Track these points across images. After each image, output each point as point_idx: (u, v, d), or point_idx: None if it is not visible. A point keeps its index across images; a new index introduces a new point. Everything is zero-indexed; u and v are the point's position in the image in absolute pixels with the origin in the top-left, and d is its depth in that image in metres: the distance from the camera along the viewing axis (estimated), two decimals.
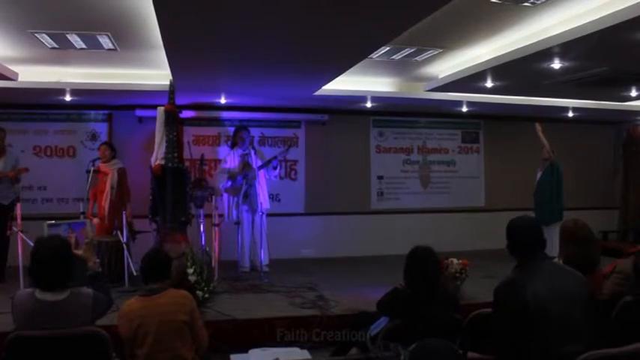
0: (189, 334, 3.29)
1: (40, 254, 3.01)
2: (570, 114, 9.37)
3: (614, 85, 7.09)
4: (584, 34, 4.69)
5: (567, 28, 4.88)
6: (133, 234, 6.82)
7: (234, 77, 6.71)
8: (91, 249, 3.52)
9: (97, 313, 3.15)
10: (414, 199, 9.84)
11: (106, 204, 6.99)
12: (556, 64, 5.83)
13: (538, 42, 5.27)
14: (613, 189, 10.74)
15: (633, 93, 7.77)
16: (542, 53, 5.38)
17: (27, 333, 2.93)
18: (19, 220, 6.09)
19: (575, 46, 5.05)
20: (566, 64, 5.83)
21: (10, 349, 2.90)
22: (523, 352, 2.75)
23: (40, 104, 8.30)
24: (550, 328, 2.71)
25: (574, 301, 2.77)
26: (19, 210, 6.16)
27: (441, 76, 7.25)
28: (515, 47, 5.61)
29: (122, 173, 7.24)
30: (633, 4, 4.21)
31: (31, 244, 3.40)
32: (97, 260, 3.65)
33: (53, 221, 5.85)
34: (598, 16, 4.54)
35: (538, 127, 7.95)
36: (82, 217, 6.60)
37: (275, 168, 7.69)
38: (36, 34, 5.39)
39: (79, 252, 3.42)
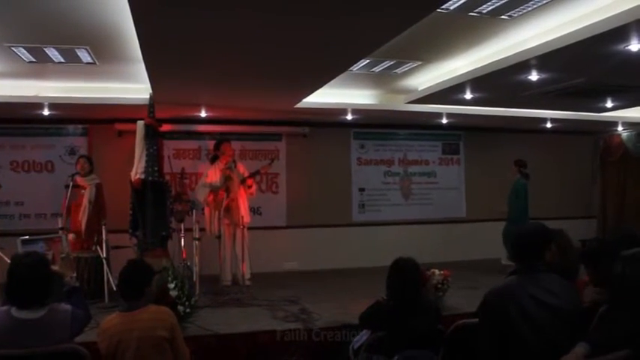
0: (170, 350, 3.24)
1: (18, 272, 2.94)
2: (549, 125, 9.50)
3: (590, 96, 7.21)
4: (561, 46, 4.76)
5: (544, 41, 4.96)
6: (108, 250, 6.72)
7: (215, 91, 6.71)
8: (67, 264, 3.46)
9: (75, 329, 3.08)
10: (396, 211, 9.86)
11: (83, 219, 6.87)
12: (534, 76, 5.93)
13: (515, 54, 5.35)
14: (591, 199, 10.89)
15: (609, 104, 7.90)
16: (519, 65, 5.46)
17: (3, 352, 2.86)
18: None
19: (551, 58, 5.12)
20: (544, 75, 5.93)
21: None
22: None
23: (18, 118, 8.18)
24: (532, 339, 2.71)
25: (561, 315, 2.74)
26: None
27: (420, 89, 7.30)
28: (493, 59, 5.68)
29: (99, 188, 7.14)
30: (607, 17, 4.30)
31: (8, 260, 3.34)
32: (74, 275, 3.59)
33: (27, 237, 5.75)
34: (574, 29, 4.63)
35: None
36: (60, 232, 6.50)
37: (250, 187, 7.66)
38: (13, 48, 5.34)
39: (56, 267, 3.37)
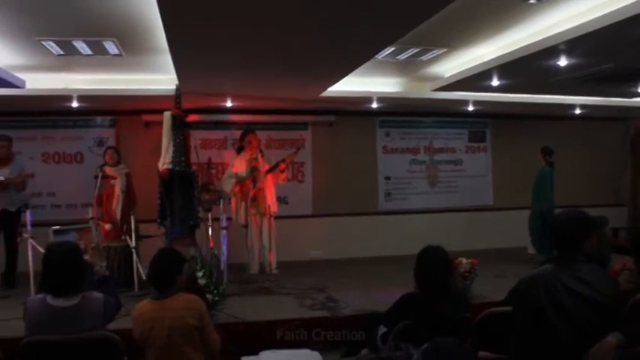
0: (200, 338, 3.28)
1: (52, 260, 3.03)
2: (577, 111, 9.35)
3: (620, 81, 7.06)
4: (591, 30, 4.67)
5: (573, 25, 4.86)
6: (138, 239, 6.82)
7: (240, 80, 6.73)
8: (97, 253, 3.53)
9: (107, 317, 3.17)
10: (422, 200, 9.82)
11: (117, 208, 6.99)
12: (562, 62, 5.82)
13: (544, 39, 5.25)
14: (622, 186, 10.68)
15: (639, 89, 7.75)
16: (547, 51, 5.37)
17: (40, 338, 2.95)
18: (28, 227, 6.12)
19: (581, 42, 5.02)
20: (573, 61, 5.81)
21: (24, 354, 2.92)
22: (539, 351, 2.71)
23: (48, 111, 8.34)
24: (564, 328, 2.65)
25: (596, 305, 2.66)
26: (29, 216, 6.19)
27: (446, 76, 7.24)
28: (521, 45, 5.59)
29: (129, 177, 7.25)
30: (638, 1, 4.19)
31: (42, 250, 3.42)
32: (104, 264, 3.66)
33: (59, 227, 5.88)
34: (604, 13, 4.53)
35: None
36: (91, 222, 6.62)
37: (283, 171, 7.70)
38: (42, 42, 5.42)
39: (87, 257, 3.44)
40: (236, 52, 5.28)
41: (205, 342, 3.32)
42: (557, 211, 5.71)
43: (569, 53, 5.54)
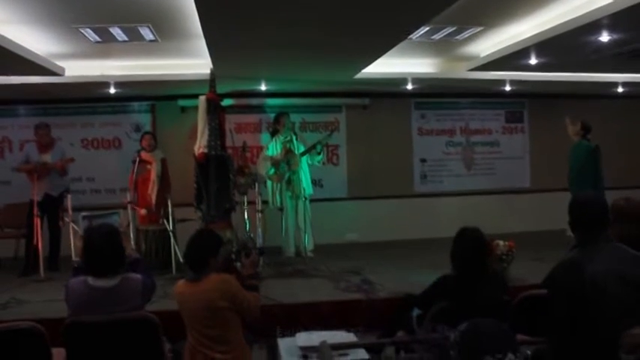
0: (235, 315, 3.28)
1: (93, 242, 3.10)
2: (620, 89, 9.05)
3: None
4: (636, 2, 4.49)
5: None
6: (175, 222, 6.93)
7: (275, 63, 6.73)
8: (126, 237, 3.58)
9: (146, 297, 3.24)
10: (458, 182, 9.71)
11: (152, 193, 7.09)
12: (604, 37, 5.61)
13: (585, 14, 5.07)
14: None
15: None
16: (589, 26, 5.18)
17: (83, 319, 3.04)
18: (70, 211, 6.28)
19: (626, 16, 4.83)
20: (616, 36, 5.60)
21: (68, 334, 3.02)
22: (576, 335, 2.67)
23: (86, 98, 8.51)
24: (606, 313, 2.60)
25: (636, 286, 2.63)
26: (69, 201, 6.35)
27: (482, 55, 7.09)
28: (560, 21, 5.42)
29: (164, 163, 7.34)
30: None
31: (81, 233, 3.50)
32: (133, 247, 3.71)
33: (88, 213, 6.02)
34: None
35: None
36: (129, 206, 6.75)
37: (319, 153, 7.69)
38: (80, 29, 5.52)
39: None
40: (270, 33, 5.25)
41: (243, 315, 3.33)
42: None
43: (612, 28, 5.33)
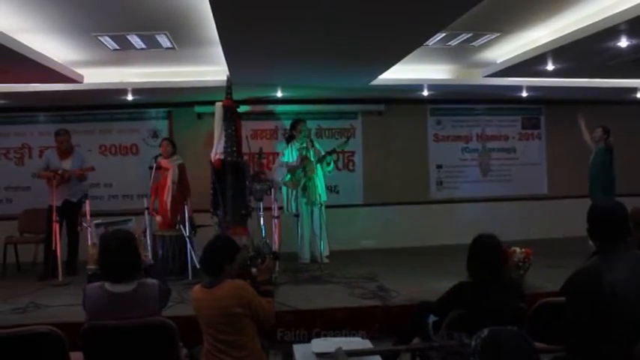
0: (250, 321, 3.27)
1: (109, 247, 3.14)
2: (639, 95, 8.96)
3: None
4: None
5: (635, 3, 4.64)
6: (194, 228, 6.96)
7: (291, 70, 6.76)
8: (140, 244, 3.60)
9: (163, 302, 3.26)
10: (474, 188, 9.66)
11: (167, 199, 7.13)
12: (623, 42, 5.56)
13: (602, 20, 5.04)
14: None
15: None
16: (607, 31, 5.14)
17: (100, 323, 3.06)
18: (88, 217, 6.34)
19: None
20: (635, 41, 5.54)
21: (86, 339, 3.04)
22: (595, 343, 2.64)
23: (104, 105, 8.62)
24: (626, 321, 2.57)
25: None
26: (88, 207, 6.41)
27: (499, 61, 7.06)
28: (578, 27, 5.39)
29: (182, 169, 7.35)
30: None
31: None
32: (147, 254, 3.74)
33: (99, 220, 6.09)
34: None
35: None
36: (145, 212, 6.81)
37: (329, 164, 7.68)
38: (99, 37, 5.59)
39: None
40: (286, 39, 5.28)
41: (257, 322, 3.32)
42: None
43: (630, 33, 5.28)
